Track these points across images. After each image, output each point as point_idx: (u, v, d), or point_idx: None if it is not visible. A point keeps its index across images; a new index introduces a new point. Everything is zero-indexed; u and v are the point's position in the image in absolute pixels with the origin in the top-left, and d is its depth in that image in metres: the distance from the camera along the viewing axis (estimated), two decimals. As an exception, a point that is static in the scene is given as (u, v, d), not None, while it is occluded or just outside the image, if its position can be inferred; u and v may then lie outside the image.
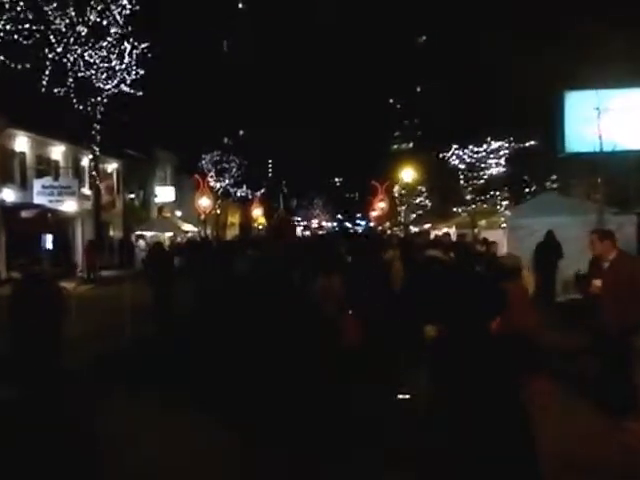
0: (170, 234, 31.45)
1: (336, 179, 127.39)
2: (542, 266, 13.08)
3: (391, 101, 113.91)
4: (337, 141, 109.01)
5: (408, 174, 25.52)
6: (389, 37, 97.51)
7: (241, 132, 62.47)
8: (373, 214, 50.29)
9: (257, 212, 51.27)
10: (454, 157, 18.64)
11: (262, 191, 45.81)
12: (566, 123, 11.51)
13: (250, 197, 44.57)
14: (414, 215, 36.20)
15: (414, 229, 41.39)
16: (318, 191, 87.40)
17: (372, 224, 57.82)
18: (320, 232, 71.70)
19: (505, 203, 18.40)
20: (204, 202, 37.08)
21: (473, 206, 18.70)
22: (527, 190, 19.61)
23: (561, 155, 14.14)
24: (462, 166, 18.55)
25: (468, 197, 18.73)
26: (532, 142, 18.29)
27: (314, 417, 5.22)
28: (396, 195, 39.24)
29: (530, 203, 16.73)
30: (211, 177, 38.37)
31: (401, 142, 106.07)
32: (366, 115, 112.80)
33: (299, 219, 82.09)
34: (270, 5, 75.04)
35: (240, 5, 68.04)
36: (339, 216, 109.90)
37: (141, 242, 32.11)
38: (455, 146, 18.53)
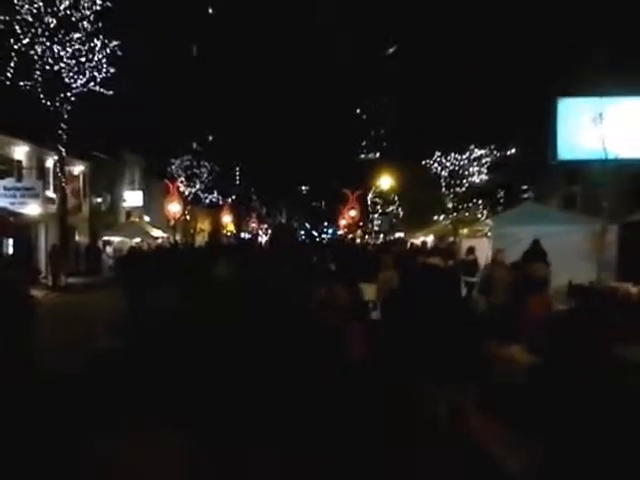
0: (138, 240, 30.54)
1: (303, 187, 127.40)
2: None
3: (358, 111, 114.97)
4: (304, 150, 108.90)
5: (386, 182, 25.27)
6: (358, 47, 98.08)
7: (210, 138, 61.66)
8: (342, 222, 50.18)
9: (227, 219, 50.51)
10: (436, 164, 18.44)
11: (233, 197, 45.07)
12: (558, 130, 11.34)
13: (221, 203, 43.81)
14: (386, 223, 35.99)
15: (383, 238, 41.40)
16: (286, 199, 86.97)
17: (340, 232, 57.70)
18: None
19: (486, 212, 18.27)
20: (174, 207, 36.39)
21: (454, 214, 18.52)
22: (505, 199, 19.62)
23: (552, 163, 14.01)
24: (445, 173, 18.36)
25: (450, 205, 18.52)
26: (513, 150, 18.27)
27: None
28: (369, 203, 39.05)
29: (514, 212, 16.62)
30: (181, 182, 37.57)
31: (368, 152, 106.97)
32: (333, 125, 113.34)
33: (266, 226, 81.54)
34: (240, 11, 74.59)
35: (210, 10, 67.34)
36: (306, 224, 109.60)
37: (109, 248, 31.19)
38: (438, 153, 18.33)
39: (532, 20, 18.49)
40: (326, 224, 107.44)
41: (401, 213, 32.62)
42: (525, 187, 19.35)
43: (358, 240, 43.32)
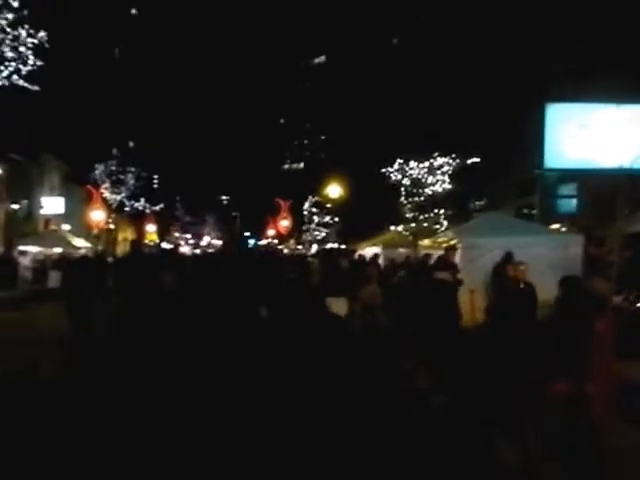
0: (59, 249, 28.20)
1: (223, 197, 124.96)
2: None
3: (282, 121, 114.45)
4: (226, 158, 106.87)
5: (335, 190, 24.61)
6: (284, 56, 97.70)
7: (131, 143, 58.95)
8: (271, 232, 49.13)
9: (151, 228, 48.19)
10: (396, 172, 17.91)
11: (161, 205, 42.98)
12: (546, 138, 10.97)
13: (148, 211, 41.64)
14: (323, 233, 35.39)
15: (316, 247, 40.79)
16: (208, 209, 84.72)
17: (264, 242, 56.66)
18: (209, 250, 69.01)
19: (446, 222, 17.94)
20: (97, 215, 34.02)
21: (413, 224, 18.04)
22: (459, 209, 19.54)
23: (538, 172, 13.77)
24: (406, 182, 17.86)
25: (409, 215, 18.02)
26: (475, 159, 18.11)
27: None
28: (305, 213, 38.28)
29: (478, 222, 16.28)
30: (105, 188, 35.20)
31: (292, 162, 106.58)
32: (256, 134, 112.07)
33: (189, 236, 78.86)
34: (164, 13, 72.14)
35: (133, 11, 64.59)
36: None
37: (24, 259, 28.52)
38: (400, 160, 17.82)
39: (496, 29, 18.57)
40: (248, 234, 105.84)
41: (341, 223, 32.09)
42: (476, 197, 19.39)
43: (286, 250, 42.51)
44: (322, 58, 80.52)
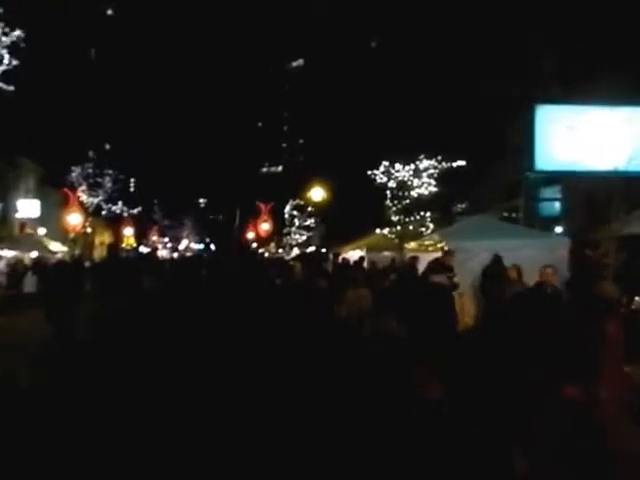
0: (35, 254, 27.60)
1: (200, 200, 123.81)
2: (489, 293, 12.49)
3: (260, 124, 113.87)
4: (203, 162, 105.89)
5: (318, 193, 24.41)
6: (261, 59, 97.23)
7: (107, 146, 58.06)
8: (250, 236, 48.77)
9: (128, 232, 47.49)
10: (381, 175, 17.79)
11: (139, 209, 42.32)
12: (536, 139, 10.96)
13: (125, 214, 41.01)
14: (304, 237, 35.20)
15: (296, 251, 40.58)
16: (186, 212, 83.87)
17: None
18: (187, 254, 68.25)
19: (432, 226, 17.88)
20: (74, 219, 33.38)
21: (398, 227, 17.94)
22: (443, 212, 19.51)
23: (528, 174, 13.76)
24: (392, 184, 17.75)
25: (394, 218, 17.92)
26: (461, 162, 18.09)
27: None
28: (286, 216, 38.02)
29: (464, 225, 16.23)
30: (82, 191, 34.53)
31: (270, 165, 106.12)
32: (233, 137, 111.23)
33: (167, 240, 77.95)
34: (141, 14, 71.26)
35: (109, 12, 63.74)
36: (207, 238, 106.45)
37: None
38: (385, 163, 17.71)
39: (482, 31, 18.62)
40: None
41: (324, 226, 31.91)
42: (460, 200, 19.42)
43: (266, 254, 42.20)
44: (300, 61, 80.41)
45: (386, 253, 20.22)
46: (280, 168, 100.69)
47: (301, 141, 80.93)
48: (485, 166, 20.74)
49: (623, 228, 10.28)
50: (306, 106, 57.83)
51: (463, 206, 24.45)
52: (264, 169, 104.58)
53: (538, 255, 13.26)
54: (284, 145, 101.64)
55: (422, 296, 7.27)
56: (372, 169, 18.02)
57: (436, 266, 8.01)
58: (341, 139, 31.92)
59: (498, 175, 22.15)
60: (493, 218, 16.69)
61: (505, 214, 21.91)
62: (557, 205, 24.76)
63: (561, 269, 14.32)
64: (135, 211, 41.80)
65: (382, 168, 17.76)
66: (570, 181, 19.14)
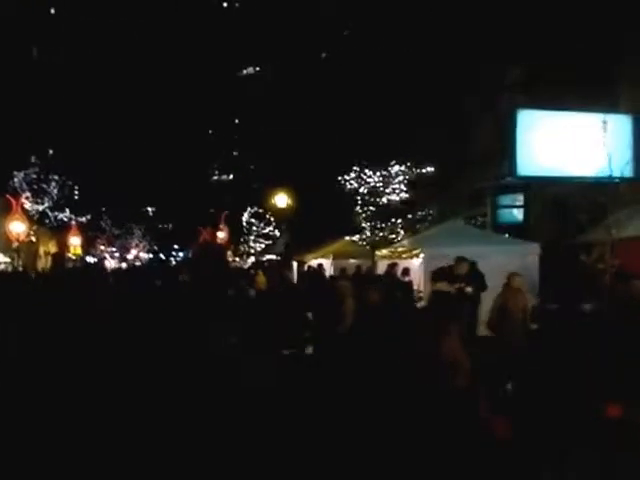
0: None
1: (149, 208, 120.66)
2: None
3: (210, 132, 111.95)
4: (151, 169, 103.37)
5: (282, 200, 23.72)
6: (211, 68, 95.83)
7: (50, 151, 55.75)
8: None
9: (75, 241, 45.40)
10: (352, 181, 17.38)
11: (87, 217, 40.47)
12: (517, 145, 10.78)
13: (73, 222, 39.17)
14: (263, 245, 34.47)
15: (253, 259, 39.78)
16: (135, 220, 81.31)
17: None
18: (137, 263, 66.16)
19: (402, 232, 17.59)
20: (18, 227, 31.49)
21: (369, 235, 17.57)
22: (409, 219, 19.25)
23: (510, 179, 13.59)
24: (363, 190, 17.34)
25: (364, 224, 17.50)
26: (430, 169, 17.88)
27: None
28: (244, 224, 37.16)
29: (437, 232, 16.12)
30: (26, 198, 32.70)
31: (221, 173, 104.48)
32: (182, 144, 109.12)
33: (114, 249, 75.15)
34: (85, 13, 68.93)
35: (52, 10, 61.46)
36: (155, 247, 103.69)
37: None
38: (356, 169, 17.28)
39: (446, 34, 18.53)
40: (176, 247, 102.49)
41: (288, 233, 31.26)
42: (426, 207, 19.23)
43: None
44: (251, 69, 79.69)
45: (352, 260, 19.93)
46: (231, 176, 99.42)
47: (254, 149, 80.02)
48: (452, 173, 20.64)
49: (617, 232, 10.19)
50: (266, 113, 57.12)
51: (424, 213, 24.32)
52: (214, 177, 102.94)
53: (509, 261, 13.23)
54: (235, 153, 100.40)
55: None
56: (341, 175, 17.63)
57: (444, 274, 7.61)
58: (308, 145, 31.46)
59: (465, 182, 22.08)
60: (469, 225, 16.62)
61: (475, 220, 21.89)
62: (516, 212, 24.98)
63: (532, 274, 14.31)
64: (83, 219, 39.99)
65: (352, 174, 17.38)
66: (533, 188, 19.28)
